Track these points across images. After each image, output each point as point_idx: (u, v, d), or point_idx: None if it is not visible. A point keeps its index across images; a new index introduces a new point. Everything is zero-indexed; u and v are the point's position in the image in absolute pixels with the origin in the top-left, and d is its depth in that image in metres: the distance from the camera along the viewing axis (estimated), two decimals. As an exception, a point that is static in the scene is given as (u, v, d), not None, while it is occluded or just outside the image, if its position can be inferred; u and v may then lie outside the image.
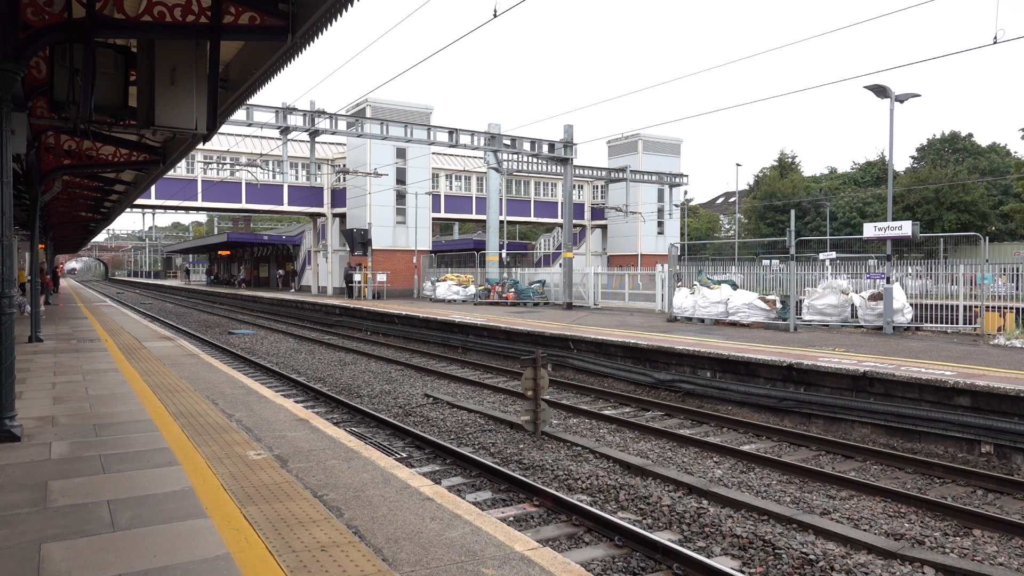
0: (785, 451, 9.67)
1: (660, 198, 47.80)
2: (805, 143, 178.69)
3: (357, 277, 36.80)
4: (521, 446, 9.49)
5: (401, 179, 38.79)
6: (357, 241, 34.93)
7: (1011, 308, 16.16)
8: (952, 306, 17.15)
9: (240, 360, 17.98)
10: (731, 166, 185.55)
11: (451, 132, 27.69)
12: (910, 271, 19.95)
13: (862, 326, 17.53)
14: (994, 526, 6.70)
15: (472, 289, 32.15)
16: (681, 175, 45.32)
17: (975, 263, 18.22)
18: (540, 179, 48.97)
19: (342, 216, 41.78)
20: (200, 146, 29.67)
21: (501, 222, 35.16)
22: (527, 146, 29.17)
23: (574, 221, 37.57)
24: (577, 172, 35.96)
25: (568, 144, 29.01)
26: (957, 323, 16.84)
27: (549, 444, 9.63)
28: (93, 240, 73.21)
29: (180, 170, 36.96)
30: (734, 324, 18.77)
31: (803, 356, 12.24)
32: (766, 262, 25.12)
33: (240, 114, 22.51)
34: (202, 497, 4.72)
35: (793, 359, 11.85)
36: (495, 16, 11.78)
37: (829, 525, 6.51)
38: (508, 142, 28.77)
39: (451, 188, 46.47)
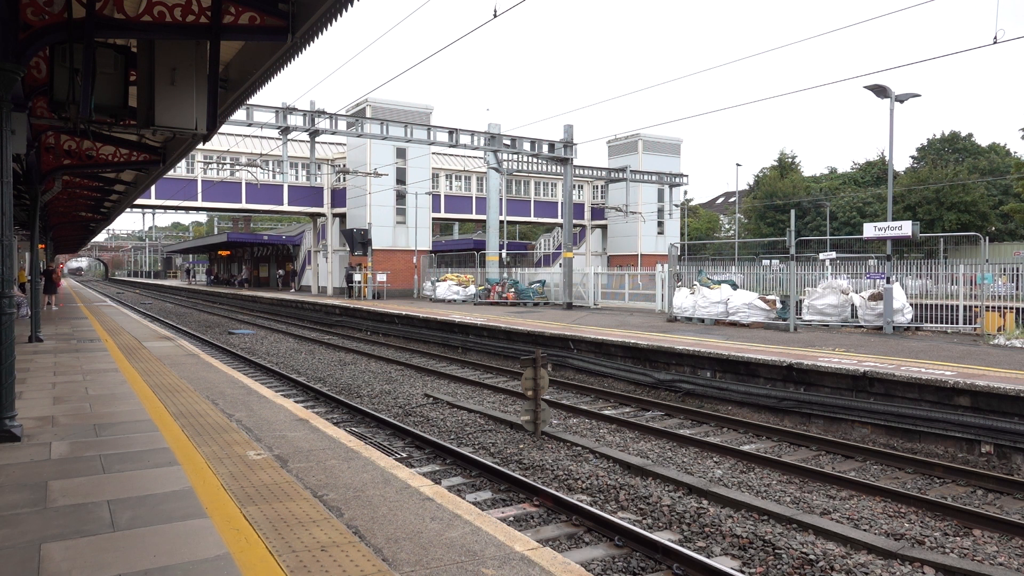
0: (785, 451, 9.67)
1: (660, 198, 47.80)
2: (805, 143, 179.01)
3: (357, 277, 36.81)
4: (521, 446, 9.49)
5: (401, 179, 38.79)
6: (357, 241, 34.94)
7: (1011, 308, 16.16)
8: (952, 306, 17.15)
9: (240, 360, 17.98)
10: (731, 166, 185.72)
11: (451, 132, 27.69)
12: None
13: (862, 326, 17.53)
14: (994, 526, 6.70)
15: (472, 289, 32.15)
16: (681, 175, 45.32)
17: (975, 263, 18.22)
18: (540, 179, 48.96)
19: (342, 216, 41.78)
20: (200, 146, 29.68)
21: (501, 222, 35.16)
22: (527, 146, 29.17)
23: (574, 221, 37.56)
24: (577, 172, 35.96)
25: (568, 144, 29.00)
26: (957, 323, 16.84)
27: (549, 444, 9.63)
28: (93, 240, 73.21)
29: (180, 170, 36.96)
30: (734, 324, 18.76)
31: (803, 356, 12.24)
32: (766, 262, 25.10)
33: (240, 114, 22.51)
34: (202, 497, 4.72)
35: (793, 359, 11.85)
36: (495, 16, 11.78)
37: (829, 525, 6.51)
38: (508, 142, 28.77)
39: (451, 188, 46.46)
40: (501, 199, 35.33)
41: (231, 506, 4.55)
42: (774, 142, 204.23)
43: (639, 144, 47.69)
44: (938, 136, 59.85)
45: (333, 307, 30.76)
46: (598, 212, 51.46)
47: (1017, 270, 17.55)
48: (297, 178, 40.61)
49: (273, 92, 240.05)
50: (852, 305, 17.94)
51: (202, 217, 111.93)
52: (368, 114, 34.81)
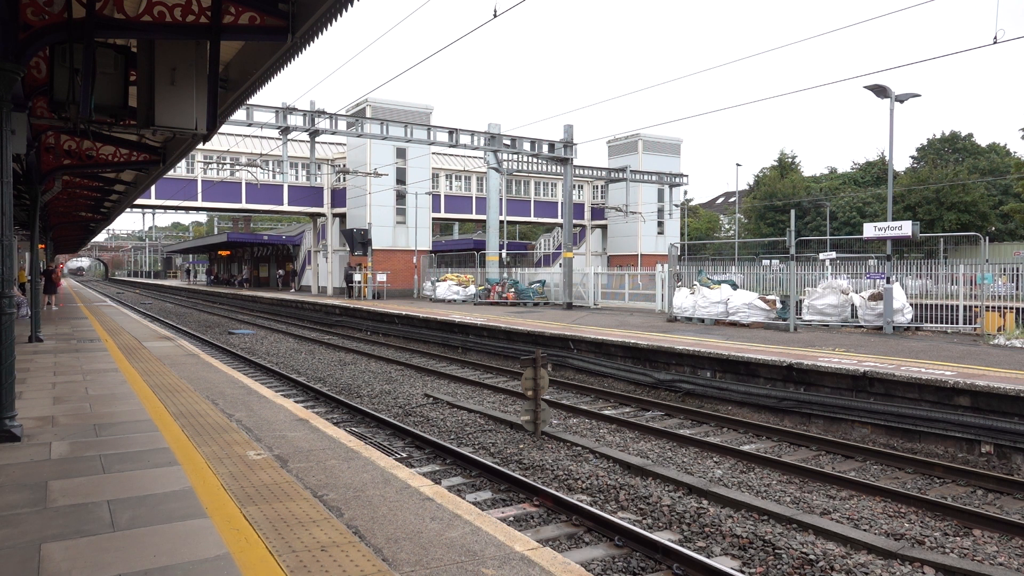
0: (785, 451, 9.67)
1: (660, 198, 47.80)
2: (805, 143, 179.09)
3: (357, 277, 36.80)
4: (521, 446, 9.49)
5: (401, 179, 38.79)
6: (357, 241, 34.94)
7: (1011, 308, 16.16)
8: (952, 306, 17.15)
9: (240, 360, 17.98)
10: (731, 166, 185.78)
11: (451, 132, 27.69)
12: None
13: (862, 326, 17.53)
14: (994, 526, 6.70)
15: (472, 289, 32.15)
16: (681, 175, 45.32)
17: (975, 263, 18.22)
18: (540, 179, 48.96)
19: (342, 216, 41.78)
20: (200, 146, 29.68)
21: (501, 222, 35.16)
22: (527, 146, 29.17)
23: (574, 221, 37.56)
24: (577, 172, 35.96)
25: (568, 144, 29.00)
26: (957, 323, 16.84)
27: (549, 444, 9.63)
28: (93, 240, 73.21)
29: (180, 170, 36.96)
30: (734, 324, 18.76)
31: (803, 356, 12.24)
32: (766, 262, 25.10)
33: (240, 114, 22.50)
34: (202, 497, 4.72)
35: (793, 359, 11.85)
36: (495, 16, 11.78)
37: (829, 525, 6.51)
38: (508, 142, 28.77)
39: (451, 188, 46.46)
40: (501, 199, 35.33)
41: (231, 506, 4.55)
42: (774, 142, 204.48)
43: (639, 144, 47.69)
44: (938, 136, 59.80)
45: (333, 307, 30.76)
46: (598, 212, 51.46)
47: (1017, 270, 17.55)
48: (297, 178, 40.61)
49: (273, 92, 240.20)
50: (852, 305, 17.94)
51: (202, 217, 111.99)
52: (368, 114, 34.81)
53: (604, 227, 51.98)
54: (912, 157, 61.66)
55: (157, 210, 53.11)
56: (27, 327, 15.05)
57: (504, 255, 33.98)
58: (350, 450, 6.03)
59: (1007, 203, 47.12)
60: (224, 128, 19.31)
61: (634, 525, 6.37)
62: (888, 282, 16.77)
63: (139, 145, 12.28)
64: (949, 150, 58.64)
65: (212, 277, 77.44)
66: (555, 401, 12.33)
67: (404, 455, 8.96)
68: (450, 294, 32.50)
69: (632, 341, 14.89)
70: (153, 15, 6.45)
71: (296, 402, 11.91)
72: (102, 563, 3.69)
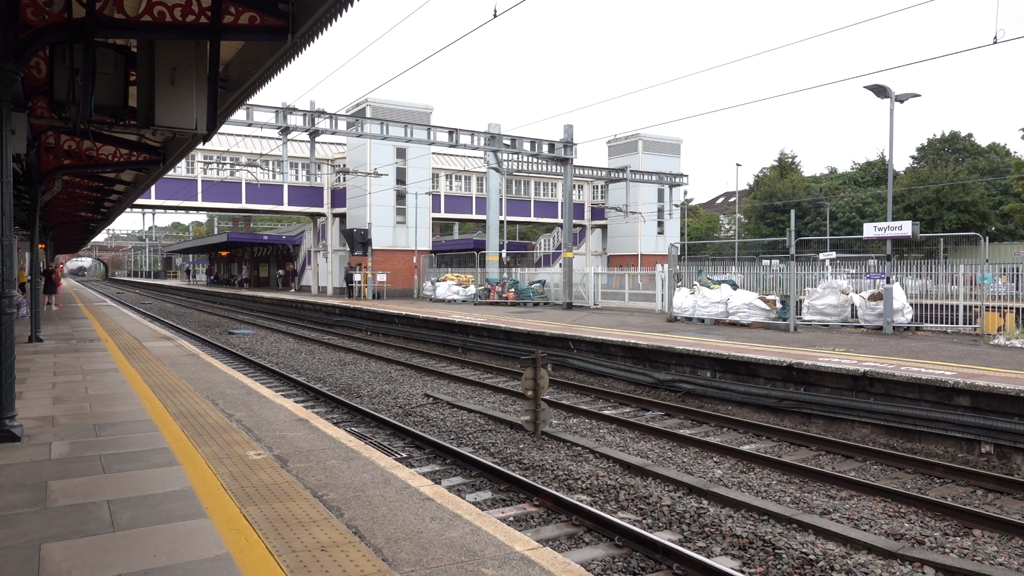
0: (785, 451, 9.67)
1: (660, 198, 47.80)
2: (805, 143, 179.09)
3: (357, 277, 36.81)
4: (521, 446, 9.49)
5: (401, 179, 38.79)
6: (357, 241, 34.94)
7: (1011, 308, 16.16)
8: (952, 306, 17.15)
9: (240, 360, 17.98)
10: (731, 166, 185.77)
11: (451, 132, 27.69)
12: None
13: (862, 326, 17.53)
14: (994, 526, 6.70)
15: (472, 289, 32.15)
16: (681, 175, 45.33)
17: (975, 263, 18.22)
18: (540, 179, 48.97)
19: (342, 216, 41.77)
20: (200, 146, 29.68)
21: (501, 222, 35.16)
22: (527, 146, 29.17)
23: (574, 221, 37.56)
24: (577, 172, 35.97)
25: (568, 144, 29.00)
26: (957, 323, 16.84)
27: (549, 444, 9.63)
28: (93, 240, 73.21)
29: (180, 170, 36.96)
30: (734, 324, 18.76)
31: (803, 356, 12.24)
32: (766, 262, 25.09)
33: (240, 114, 22.51)
34: (202, 497, 4.72)
35: (793, 359, 11.85)
36: (495, 16, 11.78)
37: (829, 525, 6.51)
38: (508, 142, 28.77)
39: (451, 188, 46.46)
40: (501, 199, 35.33)
41: (231, 506, 4.55)
42: (774, 142, 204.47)
43: (639, 144, 47.69)
44: (938, 136, 59.81)
45: (333, 307, 30.76)
46: (598, 212, 51.46)
47: (1017, 270, 17.55)
48: (297, 178, 40.61)
49: (273, 92, 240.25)
50: (852, 305, 17.94)
51: (202, 217, 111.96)
52: (368, 114, 34.80)
53: (604, 227, 51.98)
54: (912, 157, 61.69)
55: (157, 210, 53.12)
56: (27, 327, 15.05)
57: (504, 255, 33.98)
58: (350, 450, 6.03)
59: (1007, 203, 47.13)
60: (224, 128, 19.31)
61: (634, 525, 6.37)
62: (888, 282, 16.77)
63: (139, 145, 12.28)
64: (949, 150, 58.64)
65: (212, 277, 77.42)
66: (555, 401, 12.33)
67: (404, 455, 8.96)
68: (450, 294, 32.50)
69: (632, 341, 14.89)
70: (153, 15, 6.45)
71: (296, 402, 11.91)
72: (102, 563, 3.69)
